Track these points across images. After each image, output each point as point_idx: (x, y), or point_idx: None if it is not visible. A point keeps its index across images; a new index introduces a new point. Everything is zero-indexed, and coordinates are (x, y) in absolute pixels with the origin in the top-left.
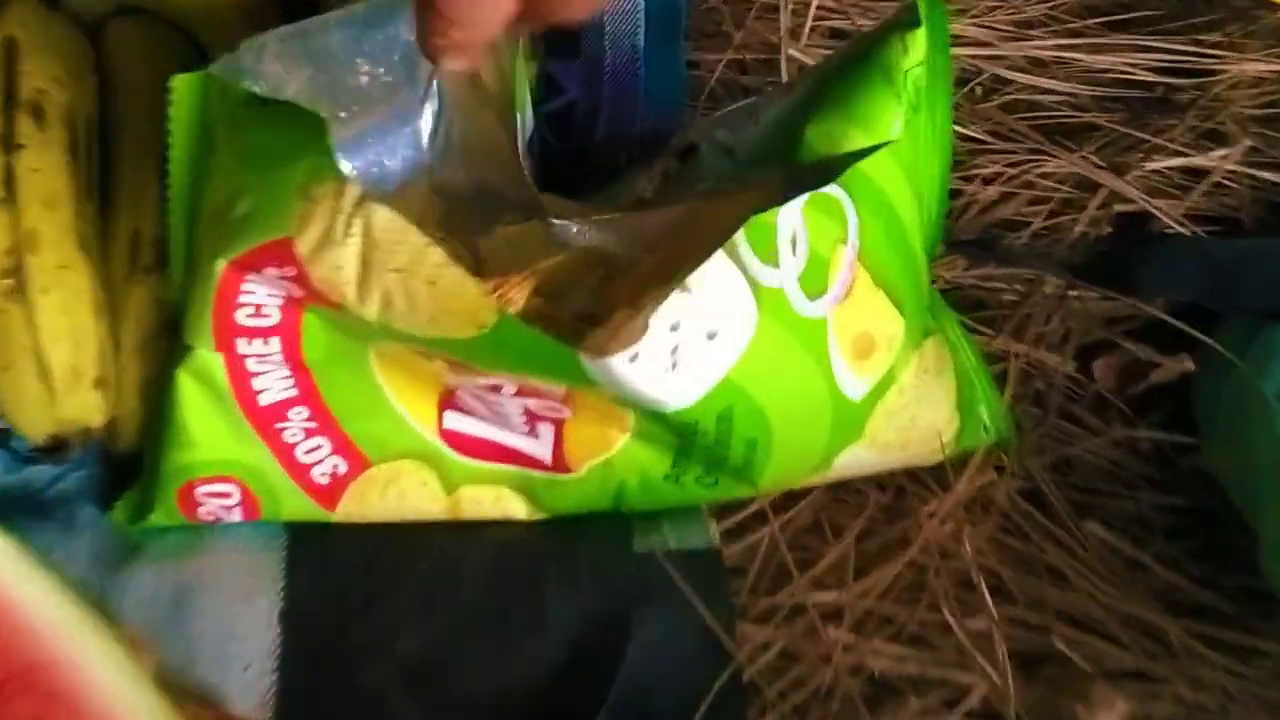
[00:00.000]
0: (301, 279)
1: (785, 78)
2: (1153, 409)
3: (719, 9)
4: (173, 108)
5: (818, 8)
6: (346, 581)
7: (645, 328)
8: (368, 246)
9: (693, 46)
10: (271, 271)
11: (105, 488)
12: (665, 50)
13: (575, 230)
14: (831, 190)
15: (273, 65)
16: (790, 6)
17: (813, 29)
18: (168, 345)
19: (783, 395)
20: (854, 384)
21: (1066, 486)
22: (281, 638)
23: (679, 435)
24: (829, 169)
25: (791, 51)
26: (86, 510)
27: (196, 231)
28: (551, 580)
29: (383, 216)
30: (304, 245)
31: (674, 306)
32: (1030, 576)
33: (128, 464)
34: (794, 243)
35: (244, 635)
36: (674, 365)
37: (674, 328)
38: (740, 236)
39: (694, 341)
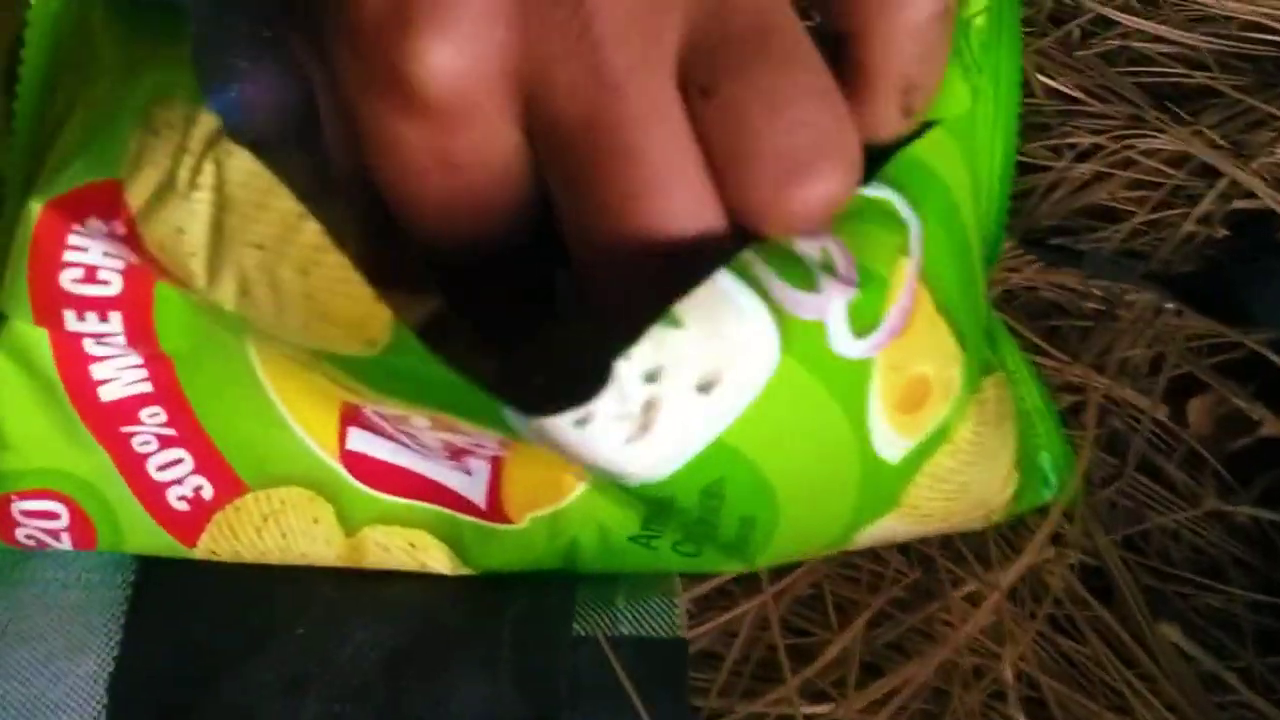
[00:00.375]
0: (133, 241)
1: None
2: (1259, 471)
3: None
4: None
5: None
6: (201, 642)
7: (609, 378)
8: (219, 206)
9: None
10: (96, 225)
11: None
12: None
13: None
14: (877, 187)
15: None
16: None
17: None
18: None
19: (798, 463)
20: (894, 443)
21: (1139, 568)
22: (108, 712)
23: (649, 504)
24: (880, 153)
25: None
26: None
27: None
28: (463, 661)
29: (242, 165)
30: (135, 194)
31: (655, 348)
32: (1081, 695)
33: None
34: (831, 259)
35: (59, 705)
36: (645, 428)
37: (651, 377)
38: (756, 253)
39: (678, 396)
